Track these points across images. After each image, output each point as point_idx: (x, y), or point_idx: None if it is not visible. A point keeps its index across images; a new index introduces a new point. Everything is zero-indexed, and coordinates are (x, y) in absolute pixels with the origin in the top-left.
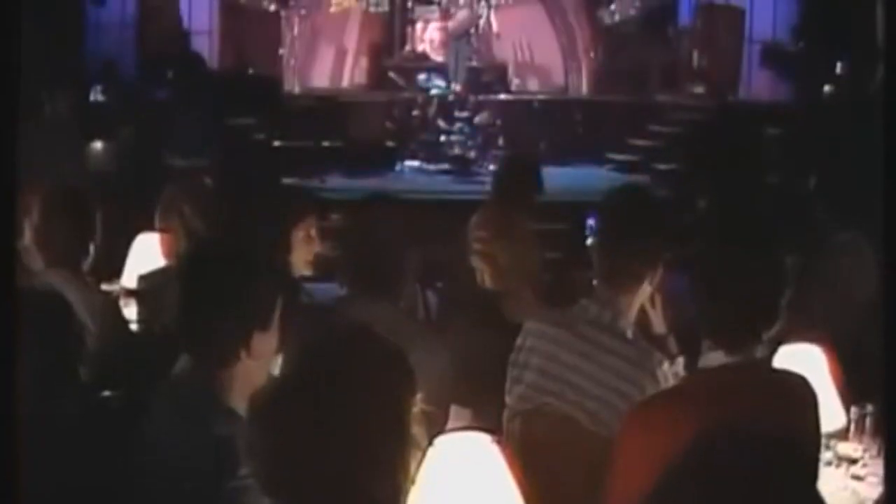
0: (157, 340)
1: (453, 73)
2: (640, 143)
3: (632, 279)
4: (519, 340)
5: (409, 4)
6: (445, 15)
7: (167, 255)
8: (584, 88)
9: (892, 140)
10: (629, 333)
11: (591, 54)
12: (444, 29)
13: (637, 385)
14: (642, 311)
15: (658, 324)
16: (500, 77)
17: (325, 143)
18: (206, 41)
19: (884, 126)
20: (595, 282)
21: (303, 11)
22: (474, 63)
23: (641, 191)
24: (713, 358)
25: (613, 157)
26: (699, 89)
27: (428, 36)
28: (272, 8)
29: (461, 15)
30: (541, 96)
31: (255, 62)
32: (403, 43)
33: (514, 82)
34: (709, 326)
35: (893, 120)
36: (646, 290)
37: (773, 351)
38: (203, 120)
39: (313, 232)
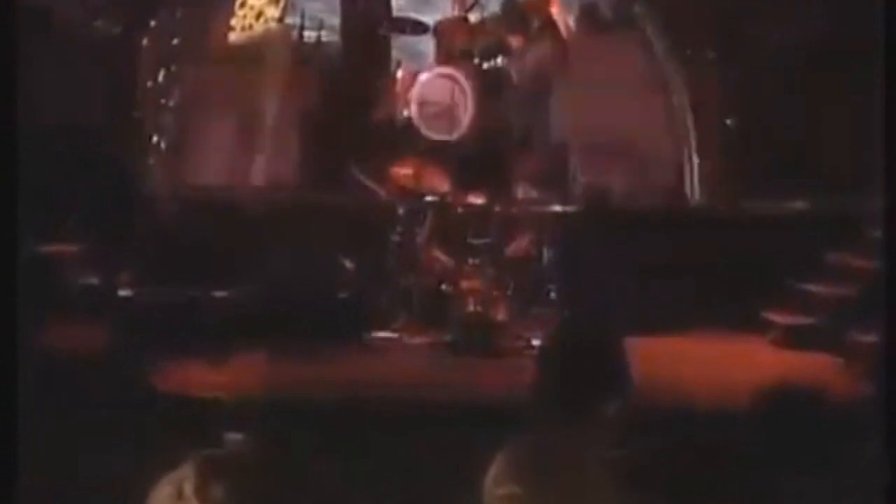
0: None
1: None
2: (824, 290)
3: None
4: None
5: (381, 31)
6: (448, 50)
7: None
8: (715, 190)
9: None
10: None
11: (727, 122)
12: (450, 77)
13: None
14: None
15: None
16: (552, 169)
17: (220, 293)
18: None
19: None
20: None
21: (175, 41)
22: None
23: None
24: None
25: (775, 318)
26: None
27: (419, 91)
28: (116, 31)
29: (535, 52)
30: (630, 204)
31: (87, 134)
32: (371, 103)
33: (579, 179)
34: None
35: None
36: None
37: None
38: None
39: (188, 486)
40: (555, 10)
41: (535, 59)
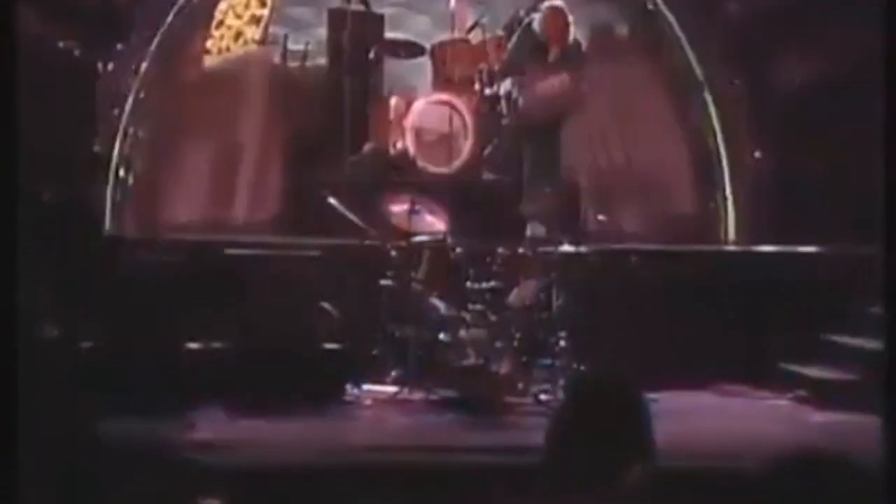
0: None
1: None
2: (851, 342)
3: None
4: None
5: (373, 54)
6: (446, 75)
7: None
8: (738, 229)
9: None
10: None
11: (757, 154)
12: (448, 104)
13: None
14: None
15: None
16: (562, 205)
17: (192, 345)
18: None
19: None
20: None
21: (144, 64)
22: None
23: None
24: None
25: (801, 370)
26: None
27: (415, 119)
28: (77, 54)
29: (555, 81)
30: (648, 245)
31: (44, 168)
32: (362, 133)
33: (594, 217)
34: None
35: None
36: None
37: None
38: None
39: None
40: (572, 38)
41: (549, 92)
